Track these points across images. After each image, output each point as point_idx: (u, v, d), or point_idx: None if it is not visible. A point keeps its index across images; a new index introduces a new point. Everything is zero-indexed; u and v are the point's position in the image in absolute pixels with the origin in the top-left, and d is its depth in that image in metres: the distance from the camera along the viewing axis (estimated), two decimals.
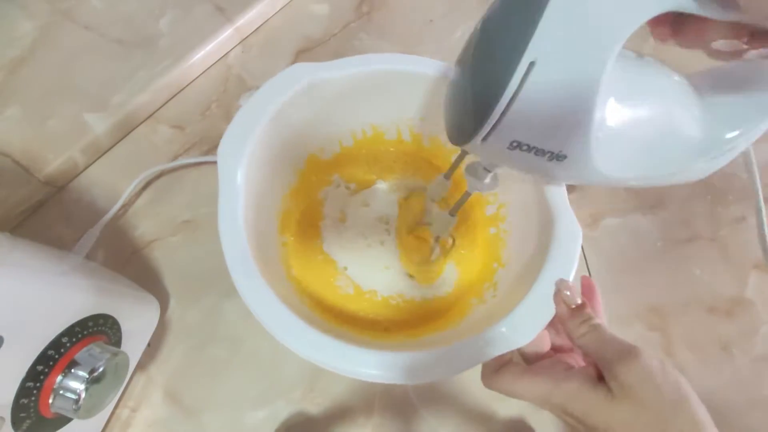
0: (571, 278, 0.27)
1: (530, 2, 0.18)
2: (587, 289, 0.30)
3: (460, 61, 0.22)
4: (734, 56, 0.20)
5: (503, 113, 0.19)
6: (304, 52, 0.47)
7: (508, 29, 0.19)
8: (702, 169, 0.24)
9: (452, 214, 0.33)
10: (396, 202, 0.39)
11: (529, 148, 0.20)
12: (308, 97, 0.32)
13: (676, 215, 0.43)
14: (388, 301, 0.36)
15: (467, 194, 0.30)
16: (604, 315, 0.29)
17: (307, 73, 0.31)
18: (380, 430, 0.35)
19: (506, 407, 0.36)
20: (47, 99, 0.42)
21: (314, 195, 0.39)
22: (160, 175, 0.42)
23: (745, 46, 0.18)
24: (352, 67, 0.32)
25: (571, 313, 0.25)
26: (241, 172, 0.29)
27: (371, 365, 0.25)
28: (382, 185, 0.40)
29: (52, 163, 0.40)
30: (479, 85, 0.20)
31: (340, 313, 0.34)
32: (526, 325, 0.26)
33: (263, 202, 0.32)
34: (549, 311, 0.26)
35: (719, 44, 0.19)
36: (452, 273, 0.37)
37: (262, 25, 0.49)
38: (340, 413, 0.35)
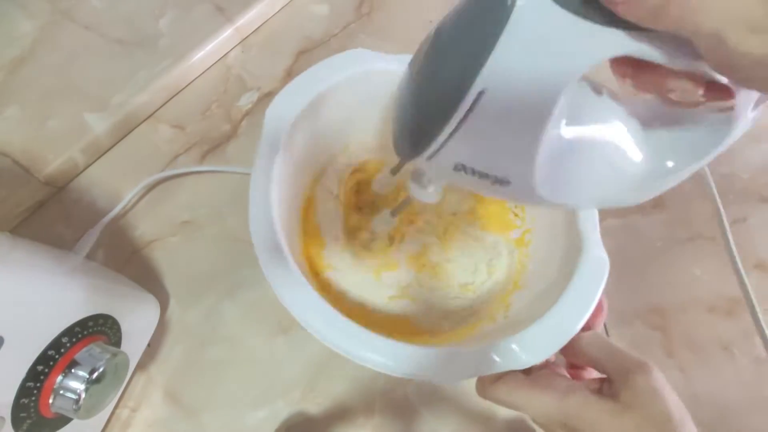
0: (592, 309, 0.26)
1: (485, 25, 0.16)
2: (597, 308, 0.30)
3: (411, 66, 0.21)
4: (688, 106, 0.19)
5: (448, 138, 0.18)
6: (304, 53, 0.47)
7: (460, 50, 0.17)
8: (638, 197, 0.23)
9: (393, 215, 0.32)
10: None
11: (474, 172, 0.20)
12: (360, 84, 0.31)
13: (676, 215, 0.43)
14: (390, 300, 0.36)
15: (409, 198, 0.29)
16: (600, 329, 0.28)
17: (368, 59, 0.31)
18: (380, 431, 0.35)
19: (506, 408, 0.36)
20: (47, 99, 0.42)
21: (341, 187, 0.38)
22: (163, 178, 0.42)
23: (701, 99, 0.18)
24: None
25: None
26: (283, 140, 0.29)
27: (378, 351, 0.25)
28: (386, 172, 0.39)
29: (52, 163, 0.40)
30: (426, 104, 0.19)
31: (350, 309, 0.34)
32: (537, 346, 0.25)
33: (294, 182, 0.32)
34: (563, 337, 0.25)
35: (676, 94, 0.18)
36: (464, 285, 0.37)
37: (262, 25, 0.49)
38: (340, 413, 0.35)
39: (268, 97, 0.45)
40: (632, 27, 0.16)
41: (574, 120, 0.20)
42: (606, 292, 0.32)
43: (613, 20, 0.16)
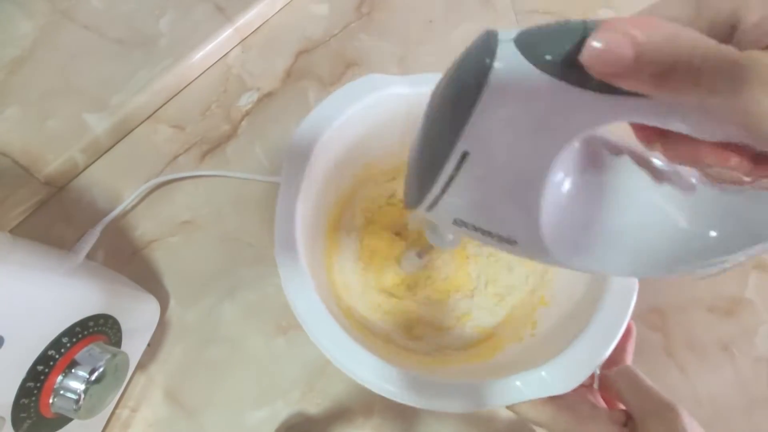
0: (620, 334, 0.26)
1: (465, 87, 0.15)
2: (625, 331, 0.29)
3: (424, 116, 0.20)
4: (734, 183, 0.17)
5: (441, 193, 0.18)
6: (304, 53, 0.47)
7: (445, 111, 0.17)
8: (678, 269, 0.21)
9: (419, 256, 0.33)
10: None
11: (475, 229, 0.19)
12: (377, 108, 0.32)
13: None
14: (409, 322, 0.36)
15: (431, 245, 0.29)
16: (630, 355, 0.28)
17: (383, 84, 0.31)
18: (380, 431, 0.35)
19: (506, 408, 0.36)
20: (47, 99, 0.42)
21: (359, 202, 0.39)
22: (163, 182, 0.42)
23: (746, 179, 0.15)
24: (425, 84, 0.32)
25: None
26: (306, 169, 0.29)
27: (404, 386, 0.24)
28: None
29: (52, 163, 0.40)
30: (421, 159, 0.19)
31: (366, 322, 0.35)
32: (567, 374, 0.25)
33: (319, 199, 0.32)
34: (593, 363, 0.25)
35: (715, 171, 0.16)
36: (491, 308, 0.37)
37: (262, 25, 0.49)
38: (340, 413, 0.35)
39: (268, 97, 0.45)
40: (634, 93, 0.13)
41: (583, 182, 0.19)
42: (634, 334, 0.32)
43: (607, 87, 0.13)
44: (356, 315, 0.35)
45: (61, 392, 0.25)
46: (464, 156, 0.16)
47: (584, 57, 0.12)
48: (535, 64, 0.13)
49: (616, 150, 0.19)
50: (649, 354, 0.38)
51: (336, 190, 0.36)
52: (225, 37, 0.46)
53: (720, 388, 0.37)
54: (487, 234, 0.20)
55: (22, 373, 0.24)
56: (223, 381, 0.36)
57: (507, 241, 0.20)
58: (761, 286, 0.40)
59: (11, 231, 0.39)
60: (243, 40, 0.48)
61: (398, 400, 0.25)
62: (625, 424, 0.24)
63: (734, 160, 0.14)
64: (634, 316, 0.38)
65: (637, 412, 0.24)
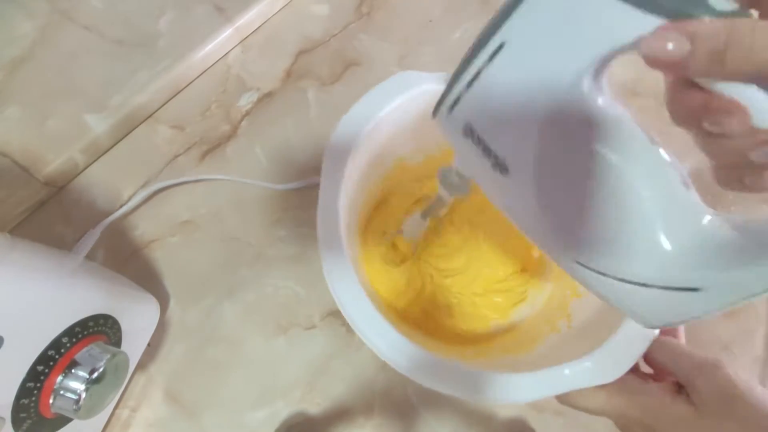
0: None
1: None
2: None
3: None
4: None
5: (467, 87, 0.19)
6: (304, 53, 0.47)
7: (500, 10, 0.18)
8: (652, 301, 0.19)
9: (423, 217, 0.33)
10: None
11: (479, 141, 0.20)
12: (410, 105, 0.32)
13: None
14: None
15: (440, 199, 0.30)
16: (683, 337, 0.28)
17: (416, 81, 0.31)
18: (380, 431, 0.35)
19: (506, 408, 0.36)
20: (47, 99, 0.42)
21: (394, 203, 0.39)
22: (160, 177, 0.42)
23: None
24: None
25: None
26: (345, 166, 0.29)
27: (461, 383, 0.25)
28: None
29: (52, 163, 0.40)
30: (462, 60, 0.20)
31: (411, 318, 0.35)
32: (613, 363, 0.25)
33: (355, 197, 0.33)
34: (638, 350, 0.25)
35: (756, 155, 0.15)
36: (524, 301, 0.37)
37: (262, 25, 0.49)
38: (340, 413, 0.35)
39: (267, 97, 0.45)
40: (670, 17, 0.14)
41: (601, 134, 0.18)
42: None
43: (645, 3, 0.14)
44: (395, 309, 0.35)
45: (61, 392, 0.25)
46: (500, 47, 0.18)
47: (644, 52, 0.14)
48: None
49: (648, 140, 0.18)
50: None
51: (369, 189, 0.36)
52: (225, 37, 0.46)
53: None
54: (486, 153, 0.20)
55: (22, 374, 0.24)
56: (223, 381, 0.36)
57: (500, 168, 0.20)
58: None
59: (11, 231, 0.39)
60: (243, 40, 0.48)
61: (452, 393, 0.25)
62: (678, 392, 0.24)
63: (738, 112, 0.15)
64: None
65: (683, 377, 0.24)
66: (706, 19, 0.14)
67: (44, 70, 0.43)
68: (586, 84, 0.17)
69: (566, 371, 0.25)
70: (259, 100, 0.45)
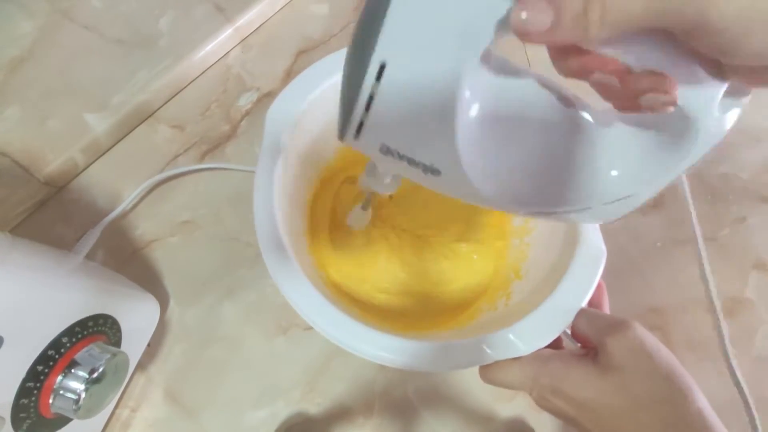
0: (588, 297, 0.27)
1: None
2: (597, 290, 0.30)
3: (350, 38, 0.20)
4: (617, 100, 0.18)
5: (365, 113, 0.18)
6: (304, 53, 0.47)
7: (364, 24, 0.17)
8: (596, 213, 0.21)
9: (364, 208, 0.33)
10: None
11: (401, 156, 0.20)
12: None
13: (676, 215, 0.43)
14: (392, 292, 0.36)
15: (372, 194, 0.30)
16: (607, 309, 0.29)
17: None
18: (380, 431, 0.35)
19: (506, 408, 0.36)
20: (47, 99, 0.42)
21: (337, 185, 0.39)
22: (164, 178, 0.42)
23: (617, 86, 0.17)
24: None
25: None
26: (285, 139, 0.29)
27: (376, 346, 0.25)
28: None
29: (52, 163, 0.40)
30: (347, 82, 0.19)
31: (353, 300, 0.35)
32: (533, 336, 0.25)
33: (299, 180, 0.32)
34: (559, 326, 0.26)
35: (595, 78, 0.17)
36: (463, 275, 0.37)
37: (262, 25, 0.49)
38: (340, 413, 0.35)
39: (267, 97, 0.45)
40: None
41: (497, 110, 0.19)
42: (606, 292, 0.32)
43: None
44: (344, 289, 0.35)
45: (61, 392, 0.25)
46: (382, 67, 0.17)
47: (514, 28, 0.15)
48: None
49: (543, 85, 0.20)
50: None
51: (317, 166, 0.36)
52: (225, 37, 0.46)
53: (720, 388, 0.37)
54: (413, 163, 0.20)
55: (21, 373, 0.24)
56: (223, 381, 0.36)
57: (431, 171, 0.20)
58: (761, 286, 0.40)
59: (11, 231, 0.39)
60: (243, 40, 0.48)
61: (379, 362, 0.25)
62: (586, 355, 0.24)
63: (610, 66, 0.17)
64: (633, 316, 0.38)
65: (595, 339, 0.24)
66: None
67: (44, 70, 0.43)
68: (476, 71, 0.17)
69: (485, 343, 0.25)
70: (259, 100, 0.45)
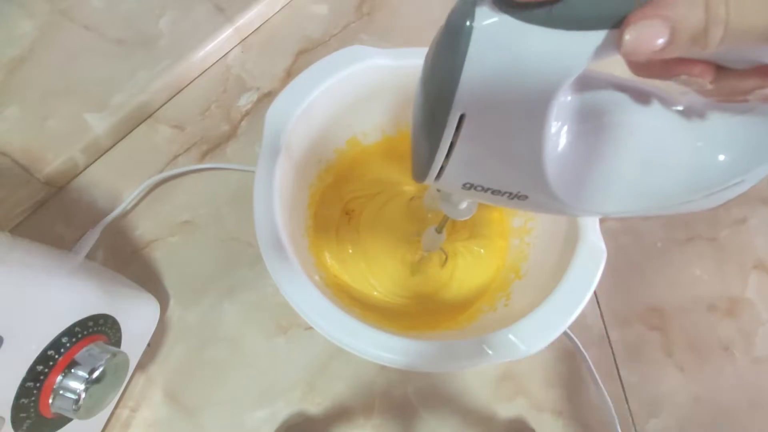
0: (588, 297, 0.26)
1: (451, 51, 0.16)
2: None
3: (419, 86, 0.19)
4: (708, 95, 0.17)
5: (446, 161, 0.18)
6: (304, 53, 0.47)
7: (436, 78, 0.17)
8: (699, 203, 0.21)
9: (438, 231, 0.33)
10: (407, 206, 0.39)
11: (484, 189, 0.20)
12: (358, 80, 0.31)
13: (676, 215, 0.43)
14: (398, 295, 0.36)
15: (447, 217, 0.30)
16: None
17: (366, 55, 0.31)
18: (380, 431, 0.35)
19: (506, 408, 0.36)
20: (47, 99, 0.42)
21: (344, 184, 0.39)
22: (164, 178, 0.42)
23: (709, 86, 0.16)
24: (411, 57, 0.31)
25: None
26: (285, 139, 0.29)
27: (376, 346, 0.25)
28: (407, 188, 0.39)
29: (52, 163, 0.40)
30: (424, 131, 0.19)
31: (354, 299, 0.35)
32: (533, 336, 0.25)
33: (299, 180, 0.32)
34: (559, 327, 0.26)
35: (682, 80, 0.16)
36: (464, 278, 0.37)
37: (262, 25, 0.49)
38: (340, 413, 0.35)
39: (267, 97, 0.45)
40: (614, 25, 0.14)
41: (585, 128, 0.19)
42: (606, 292, 0.32)
43: (579, 24, 0.14)
44: (344, 289, 0.36)
45: (61, 392, 0.25)
46: (462, 119, 0.17)
47: (623, 50, 0.14)
48: (509, 14, 0.14)
49: (620, 87, 0.19)
50: (649, 354, 0.38)
51: (317, 166, 0.36)
52: (225, 37, 0.46)
53: (720, 388, 0.37)
54: (497, 193, 0.20)
55: (21, 373, 0.24)
56: (223, 381, 0.36)
57: (518, 197, 0.20)
58: (761, 286, 0.40)
59: (11, 231, 0.39)
60: (243, 40, 0.48)
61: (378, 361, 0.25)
62: None
63: (698, 68, 0.16)
64: (634, 316, 0.38)
65: None
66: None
67: (44, 69, 0.43)
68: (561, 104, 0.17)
69: (485, 343, 0.25)
70: (259, 100, 0.45)
